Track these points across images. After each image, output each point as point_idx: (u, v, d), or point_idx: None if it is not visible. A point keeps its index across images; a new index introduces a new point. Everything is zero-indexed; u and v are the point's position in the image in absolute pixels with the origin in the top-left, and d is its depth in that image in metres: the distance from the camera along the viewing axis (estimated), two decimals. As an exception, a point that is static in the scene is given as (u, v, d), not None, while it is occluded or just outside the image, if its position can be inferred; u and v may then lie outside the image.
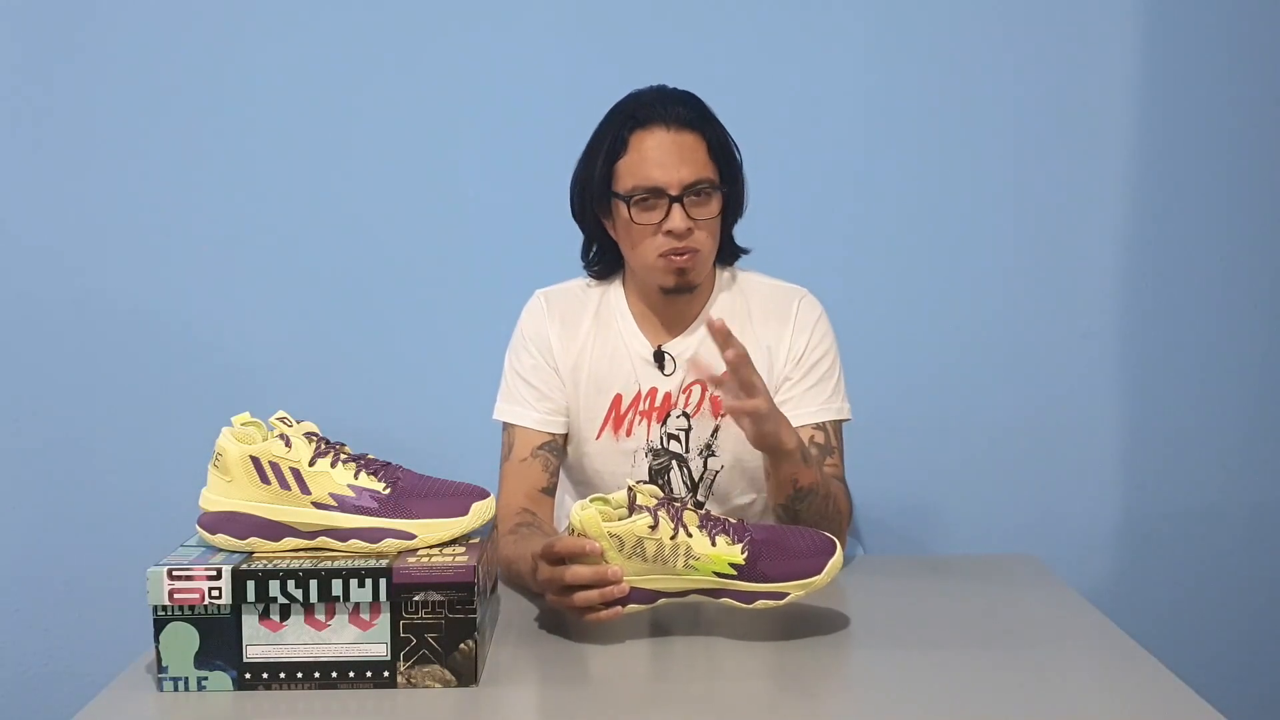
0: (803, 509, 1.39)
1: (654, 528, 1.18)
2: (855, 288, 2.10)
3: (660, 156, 1.44)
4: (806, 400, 1.53)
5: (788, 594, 1.19)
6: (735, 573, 1.18)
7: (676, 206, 1.44)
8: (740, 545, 1.19)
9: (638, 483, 1.23)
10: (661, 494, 1.23)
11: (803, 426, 1.51)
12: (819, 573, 1.19)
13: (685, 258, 1.46)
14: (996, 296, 2.16)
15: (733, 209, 1.54)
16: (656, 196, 1.44)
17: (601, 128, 1.51)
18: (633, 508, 1.20)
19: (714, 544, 1.18)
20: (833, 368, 1.55)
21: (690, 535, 1.18)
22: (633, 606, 1.19)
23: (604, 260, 1.59)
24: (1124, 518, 2.20)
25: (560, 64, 2.10)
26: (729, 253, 1.58)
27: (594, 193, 1.51)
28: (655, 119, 1.46)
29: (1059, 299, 2.16)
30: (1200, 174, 2.13)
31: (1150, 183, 2.14)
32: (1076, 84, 2.12)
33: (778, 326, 1.55)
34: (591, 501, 1.22)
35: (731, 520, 1.23)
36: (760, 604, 1.19)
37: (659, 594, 1.20)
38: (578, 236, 1.59)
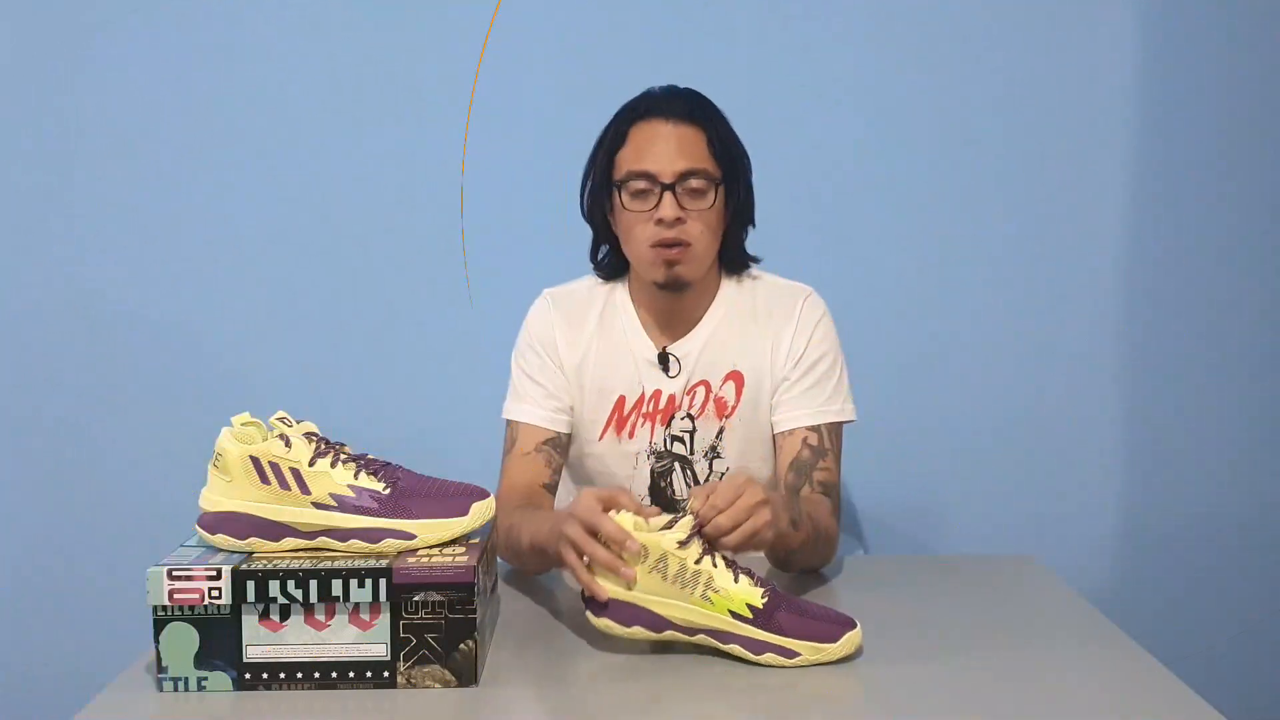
0: (793, 559, 1.41)
1: (683, 544, 1.16)
2: (855, 287, 2.09)
3: (656, 146, 1.44)
4: (803, 401, 1.52)
5: (799, 654, 1.16)
6: (751, 615, 1.16)
7: (668, 194, 1.43)
8: (762, 590, 1.17)
9: (684, 510, 1.20)
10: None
11: (796, 429, 1.51)
12: (835, 640, 1.16)
13: (675, 251, 1.45)
14: (997, 296, 2.16)
15: (740, 215, 1.53)
16: (650, 183, 1.44)
17: (607, 123, 1.51)
18: (674, 523, 1.18)
19: (736, 580, 1.17)
20: (833, 369, 1.54)
21: (715, 565, 1.17)
22: (638, 629, 1.18)
23: (612, 261, 1.58)
24: (1124, 518, 2.20)
25: (565, 64, 2.10)
26: (739, 262, 1.57)
27: (596, 187, 1.51)
28: (655, 112, 1.46)
29: (1059, 299, 2.16)
30: (1200, 175, 2.13)
31: (1150, 184, 2.14)
32: (1077, 84, 2.12)
33: (780, 326, 1.55)
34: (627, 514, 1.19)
35: (758, 572, 1.21)
36: (768, 657, 1.16)
37: (668, 623, 1.17)
38: (583, 237, 1.59)
